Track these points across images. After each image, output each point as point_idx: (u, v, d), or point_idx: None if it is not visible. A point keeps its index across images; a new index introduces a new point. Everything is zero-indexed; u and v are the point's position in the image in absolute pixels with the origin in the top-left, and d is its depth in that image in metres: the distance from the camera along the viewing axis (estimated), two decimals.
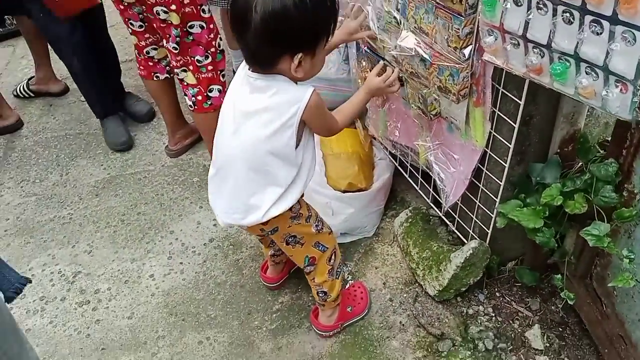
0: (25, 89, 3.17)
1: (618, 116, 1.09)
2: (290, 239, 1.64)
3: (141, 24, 2.25)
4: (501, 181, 1.63)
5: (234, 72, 3.13)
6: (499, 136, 1.57)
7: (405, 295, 1.97)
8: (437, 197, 1.94)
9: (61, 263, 2.25)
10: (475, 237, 1.85)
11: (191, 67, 2.18)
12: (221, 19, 2.86)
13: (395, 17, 1.62)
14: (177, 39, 2.10)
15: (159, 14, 2.04)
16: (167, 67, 2.42)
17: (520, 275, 1.84)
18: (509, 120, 1.51)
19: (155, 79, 2.43)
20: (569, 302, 1.55)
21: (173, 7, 2.00)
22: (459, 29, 1.39)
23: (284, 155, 1.42)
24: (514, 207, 1.56)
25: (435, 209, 2.06)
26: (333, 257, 1.75)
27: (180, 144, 2.67)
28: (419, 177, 2.06)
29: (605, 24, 1.02)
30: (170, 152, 2.68)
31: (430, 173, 1.87)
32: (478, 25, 1.35)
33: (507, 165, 1.58)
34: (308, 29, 1.30)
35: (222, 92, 2.26)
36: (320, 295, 1.80)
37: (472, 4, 1.33)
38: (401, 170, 2.19)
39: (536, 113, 1.52)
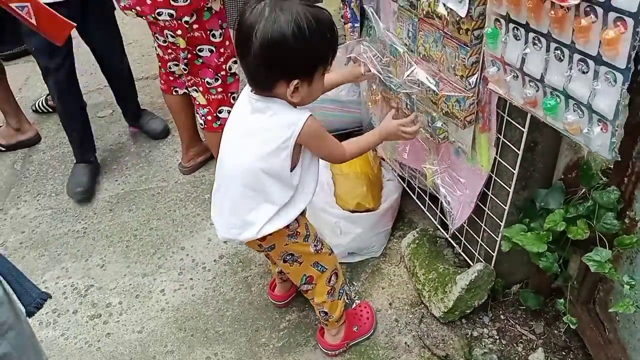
0: (44, 104, 3.26)
1: (599, 155, 1.13)
2: (287, 257, 1.68)
3: (164, 39, 2.32)
4: (506, 205, 1.66)
5: None
6: (503, 162, 1.61)
7: (411, 316, 1.99)
8: (444, 219, 1.97)
9: (74, 276, 2.30)
10: (481, 259, 1.87)
11: (201, 89, 2.24)
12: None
13: (398, 50, 1.67)
14: (185, 61, 2.17)
15: (168, 37, 2.12)
16: (187, 84, 2.48)
17: (524, 298, 1.86)
18: (513, 147, 1.54)
19: (174, 93, 2.48)
20: (571, 326, 1.57)
21: (179, 32, 2.07)
22: (465, 58, 1.44)
23: (279, 176, 1.47)
24: (518, 232, 1.59)
25: (442, 230, 2.09)
26: (333, 278, 1.77)
27: (194, 161, 2.72)
28: (427, 198, 2.10)
29: (591, 63, 1.06)
30: (183, 169, 2.74)
31: (438, 195, 1.91)
32: (483, 55, 1.40)
33: (511, 190, 1.62)
34: (305, 58, 1.35)
35: None
36: (322, 315, 1.83)
37: (477, 35, 1.38)
38: (409, 192, 2.22)
39: (541, 140, 1.55)
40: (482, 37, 1.37)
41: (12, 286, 1.10)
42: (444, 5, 1.43)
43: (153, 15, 2.02)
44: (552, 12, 1.09)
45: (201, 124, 2.36)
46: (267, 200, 1.50)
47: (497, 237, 1.75)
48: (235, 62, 2.27)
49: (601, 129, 1.10)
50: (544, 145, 1.56)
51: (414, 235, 2.12)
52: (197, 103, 2.30)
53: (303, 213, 1.63)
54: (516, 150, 1.54)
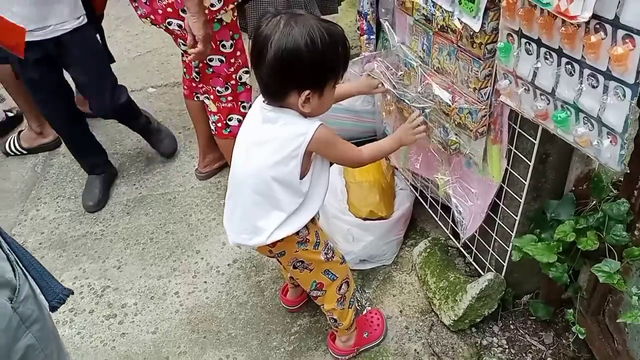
0: None
1: (609, 167, 1.16)
2: (298, 264, 1.71)
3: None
4: (517, 216, 1.68)
5: None
6: (515, 173, 1.63)
7: (421, 323, 2.01)
8: (455, 228, 1.99)
9: (91, 277, 2.35)
10: (492, 269, 1.89)
11: (212, 96, 2.29)
12: None
13: (412, 63, 1.71)
14: (197, 69, 2.22)
15: (180, 46, 2.18)
16: (199, 91, 2.52)
17: (534, 309, 1.87)
18: (524, 159, 1.57)
19: (195, 99, 2.51)
20: (580, 336, 1.58)
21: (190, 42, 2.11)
22: (478, 71, 1.47)
23: (288, 183, 1.50)
24: (529, 242, 1.61)
25: (454, 240, 2.11)
26: (344, 286, 1.79)
27: (210, 167, 2.77)
28: (439, 208, 2.12)
29: (601, 78, 1.09)
30: (199, 174, 2.79)
31: (449, 205, 1.93)
32: (496, 68, 1.43)
33: (522, 201, 1.64)
34: (316, 69, 1.39)
35: (242, 122, 2.35)
36: (332, 321, 1.86)
37: (490, 49, 1.41)
38: (421, 201, 2.25)
39: (552, 152, 1.58)
40: (494, 51, 1.41)
41: (36, 282, 1.15)
42: (459, 19, 1.47)
43: (164, 25, 2.07)
44: (563, 28, 1.13)
45: (212, 130, 2.41)
46: (276, 207, 1.54)
47: (508, 247, 1.77)
48: (246, 72, 2.30)
49: (610, 142, 1.13)
50: (555, 157, 1.59)
51: (425, 244, 2.14)
52: (209, 110, 2.36)
53: (314, 220, 1.66)
54: (527, 162, 1.56)
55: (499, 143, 1.61)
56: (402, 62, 1.81)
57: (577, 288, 1.69)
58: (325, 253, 1.71)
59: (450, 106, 1.61)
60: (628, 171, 1.14)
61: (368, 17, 2.07)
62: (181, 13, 2.02)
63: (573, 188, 1.64)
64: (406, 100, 1.80)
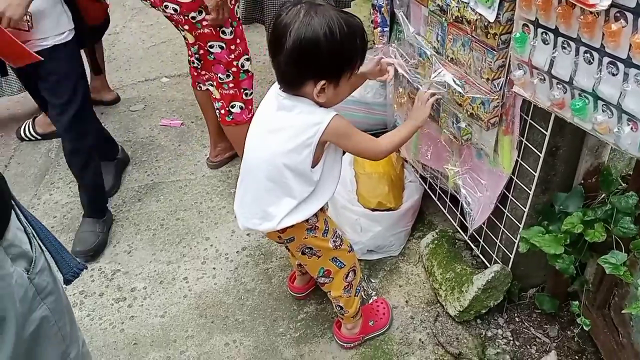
0: None
1: (628, 153, 1.16)
2: (306, 250, 1.72)
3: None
4: (526, 208, 1.69)
5: None
6: (525, 165, 1.64)
7: (426, 314, 2.03)
8: (463, 221, 2.00)
9: (102, 261, 2.38)
10: (499, 261, 1.90)
11: (215, 83, 2.31)
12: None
13: (426, 52, 1.72)
14: (197, 55, 2.23)
15: (180, 31, 2.20)
16: (203, 78, 2.52)
17: (540, 301, 1.88)
18: (535, 150, 1.58)
19: (198, 88, 2.53)
20: (584, 327, 1.59)
21: (186, 27, 2.12)
22: (491, 62, 1.48)
23: (300, 171, 1.52)
24: (536, 233, 1.62)
25: (462, 232, 2.12)
26: (351, 274, 1.81)
27: (221, 156, 2.80)
28: (447, 200, 2.13)
29: (621, 65, 1.10)
30: (210, 163, 2.82)
31: (458, 196, 1.95)
32: (509, 59, 1.44)
33: (531, 193, 1.65)
34: (334, 60, 1.41)
35: (245, 109, 2.37)
36: (338, 309, 1.88)
37: (504, 40, 1.42)
38: (430, 193, 2.26)
39: (562, 144, 1.59)
40: (509, 41, 1.42)
41: (52, 255, 1.18)
42: (474, 10, 1.48)
43: (162, 8, 2.08)
44: (582, 17, 1.13)
45: (217, 117, 2.43)
46: (287, 194, 1.56)
47: (516, 240, 1.78)
48: (247, 60, 2.30)
49: (631, 128, 1.13)
50: (565, 149, 1.60)
51: (433, 236, 2.16)
52: (213, 97, 2.38)
53: (323, 209, 1.68)
54: (538, 154, 1.57)
55: (510, 134, 1.62)
56: (417, 52, 1.82)
57: (583, 281, 1.70)
58: (333, 241, 1.73)
59: (463, 96, 1.62)
60: None
61: (382, 9, 2.08)
62: None
63: (582, 181, 1.65)
64: (420, 86, 1.80)
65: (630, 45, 1.05)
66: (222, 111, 2.38)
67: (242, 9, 2.73)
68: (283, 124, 1.51)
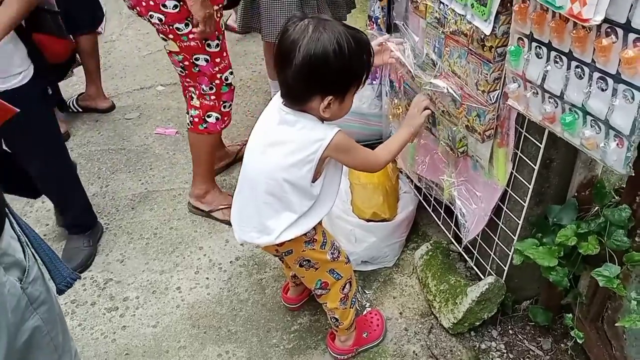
0: (75, 104, 3.37)
1: (614, 169, 1.17)
2: (304, 262, 1.72)
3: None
4: (520, 220, 1.70)
5: None
6: (519, 177, 1.65)
7: (420, 325, 2.02)
8: (458, 232, 2.01)
9: (94, 269, 2.37)
10: (492, 273, 1.91)
11: (197, 92, 2.30)
12: (264, 52, 3.01)
13: (432, 59, 1.73)
14: (181, 64, 2.22)
15: (165, 41, 2.18)
16: (185, 84, 2.47)
17: (534, 314, 1.88)
18: (529, 163, 1.59)
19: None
20: (578, 340, 1.59)
21: (170, 36, 2.11)
22: (487, 74, 1.49)
23: (300, 186, 1.52)
24: (530, 245, 1.62)
25: (456, 244, 2.12)
26: (347, 286, 1.81)
27: (215, 165, 2.78)
28: (442, 212, 2.14)
29: (610, 81, 1.11)
30: None
31: (453, 208, 1.95)
32: (505, 72, 1.45)
33: (526, 205, 1.66)
34: (342, 75, 1.42)
35: (220, 120, 2.36)
36: (333, 320, 1.87)
37: (500, 52, 1.44)
38: (425, 205, 2.27)
39: (556, 157, 1.60)
40: (504, 54, 1.43)
41: (45, 264, 1.17)
42: (470, 23, 1.49)
43: (147, 17, 2.07)
44: (574, 32, 1.15)
45: (188, 124, 2.41)
46: (287, 208, 1.56)
47: (510, 252, 1.78)
48: (231, 74, 2.30)
49: (617, 144, 1.14)
50: (559, 162, 1.61)
51: (427, 247, 2.16)
52: (191, 103, 2.36)
53: (320, 221, 1.68)
54: (532, 166, 1.58)
55: (505, 146, 1.63)
56: (422, 57, 1.80)
57: (576, 294, 1.71)
58: (331, 253, 1.73)
59: (458, 108, 1.63)
60: (633, 174, 1.15)
61: (379, 20, 2.10)
62: (162, 7, 2.01)
63: (576, 194, 1.66)
64: (421, 81, 1.78)
65: (620, 60, 1.07)
66: (197, 119, 2.35)
67: (240, 17, 2.74)
68: (284, 138, 1.51)
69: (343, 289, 1.80)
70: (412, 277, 2.20)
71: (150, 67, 3.83)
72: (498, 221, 1.80)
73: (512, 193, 1.71)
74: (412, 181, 2.27)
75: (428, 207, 2.24)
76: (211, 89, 2.27)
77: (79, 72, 3.39)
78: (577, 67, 1.18)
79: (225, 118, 2.39)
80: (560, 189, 1.67)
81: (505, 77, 1.47)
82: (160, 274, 2.33)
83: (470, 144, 1.73)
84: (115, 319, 2.15)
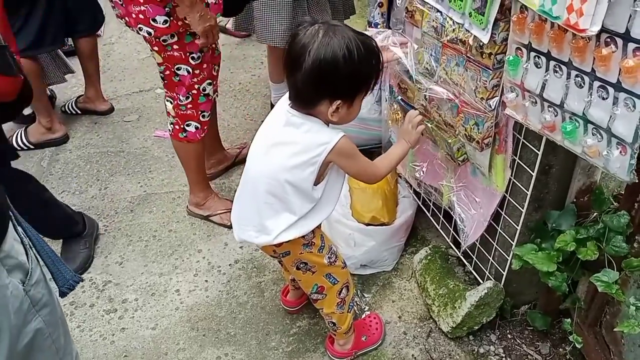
0: (74, 106, 3.37)
1: (617, 176, 1.18)
2: (301, 265, 1.73)
3: None
4: (518, 225, 1.71)
5: (271, 105, 3.27)
6: (518, 183, 1.66)
7: (419, 329, 2.03)
8: (457, 237, 2.02)
9: (93, 271, 2.37)
10: (491, 278, 1.92)
11: (174, 102, 2.28)
12: (268, 55, 3.02)
13: (427, 68, 1.74)
14: (162, 75, 2.22)
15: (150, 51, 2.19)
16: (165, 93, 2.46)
17: (532, 318, 1.89)
18: (528, 169, 1.60)
19: None
20: (577, 345, 1.60)
21: (156, 48, 2.11)
22: (486, 81, 1.50)
23: (301, 188, 1.53)
24: (529, 251, 1.63)
25: (455, 248, 2.13)
26: (344, 291, 1.81)
27: (214, 168, 2.80)
28: (441, 216, 2.15)
29: (611, 90, 1.12)
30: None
31: (452, 213, 1.96)
32: (503, 81, 1.46)
33: (524, 211, 1.67)
34: (351, 80, 1.43)
35: (200, 129, 2.34)
36: (331, 325, 1.88)
37: (500, 59, 1.45)
38: (424, 209, 2.28)
39: (555, 163, 1.61)
40: (504, 61, 1.44)
41: (48, 267, 1.17)
42: (469, 31, 1.50)
43: (136, 29, 2.06)
44: (574, 41, 1.16)
45: (169, 130, 2.41)
46: (287, 209, 1.57)
47: (508, 257, 1.80)
48: (209, 84, 2.29)
49: (620, 152, 1.16)
50: (558, 168, 1.62)
51: (426, 252, 2.17)
52: (167, 111, 2.36)
53: (319, 225, 1.69)
54: (531, 172, 1.59)
55: (504, 153, 1.64)
56: (424, 62, 1.81)
57: (575, 299, 1.72)
58: (328, 257, 1.73)
59: (455, 116, 1.64)
60: (637, 180, 1.16)
61: (378, 26, 2.11)
62: (152, 22, 2.00)
63: (574, 200, 1.67)
64: (421, 87, 1.78)
65: (620, 69, 1.08)
66: (176, 127, 2.35)
67: (234, 18, 2.77)
68: (289, 139, 1.52)
69: (339, 294, 1.80)
70: (411, 282, 2.21)
71: (149, 69, 3.83)
72: (497, 226, 1.81)
73: (510, 199, 1.72)
74: (411, 186, 2.28)
75: (427, 212, 2.25)
76: (187, 98, 2.26)
77: (77, 74, 3.40)
78: (577, 76, 1.20)
79: (205, 127, 2.38)
80: (559, 195, 1.69)
81: (504, 85, 1.48)
82: (159, 276, 2.33)
83: (469, 151, 1.74)
84: (114, 321, 2.15)
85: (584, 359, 1.77)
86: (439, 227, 2.20)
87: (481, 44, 1.47)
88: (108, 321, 2.15)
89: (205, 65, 2.22)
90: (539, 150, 1.54)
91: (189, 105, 2.28)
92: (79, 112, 3.37)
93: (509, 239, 1.77)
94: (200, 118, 2.34)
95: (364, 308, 2.12)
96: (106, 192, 2.80)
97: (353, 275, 2.14)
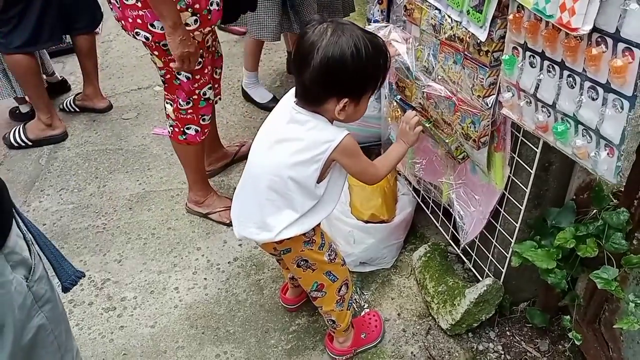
0: (72, 103, 3.36)
1: (605, 178, 1.18)
2: (302, 262, 1.73)
3: None
4: (517, 223, 1.71)
5: (242, 90, 3.24)
6: (517, 181, 1.67)
7: (418, 327, 2.04)
8: (456, 234, 2.02)
9: (92, 269, 2.36)
10: (490, 275, 1.92)
11: (174, 105, 2.28)
12: (246, 46, 3.06)
13: (425, 66, 1.75)
14: (162, 79, 2.22)
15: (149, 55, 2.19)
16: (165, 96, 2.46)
17: (531, 316, 1.90)
18: (527, 167, 1.61)
19: None
20: (576, 342, 1.61)
21: (156, 52, 2.10)
22: (483, 79, 1.50)
23: (304, 186, 1.53)
24: (529, 248, 1.64)
25: (454, 246, 2.14)
26: (344, 288, 1.82)
27: (213, 166, 2.80)
28: (440, 214, 2.15)
29: (600, 90, 1.12)
30: None
31: (451, 210, 1.97)
32: (500, 80, 1.47)
33: (523, 208, 1.67)
34: (358, 79, 1.44)
35: (200, 132, 2.34)
36: (330, 323, 1.88)
37: (497, 57, 1.45)
38: (423, 207, 2.28)
39: (555, 161, 1.61)
40: (500, 59, 1.44)
41: (51, 263, 1.17)
42: (466, 29, 1.50)
43: (132, 34, 2.05)
44: (566, 41, 1.16)
45: (168, 132, 2.41)
46: (289, 206, 1.57)
47: (508, 254, 1.80)
48: (210, 88, 2.29)
49: (607, 154, 1.16)
50: (557, 165, 1.62)
51: (425, 249, 2.17)
52: (167, 114, 2.35)
53: (319, 222, 1.69)
54: (529, 170, 1.60)
55: (502, 151, 1.64)
56: (425, 60, 1.81)
57: (574, 296, 1.72)
58: (328, 254, 1.74)
59: (452, 115, 1.64)
60: (624, 183, 1.16)
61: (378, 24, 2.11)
62: (149, 27, 1.99)
63: (574, 197, 1.67)
64: (420, 84, 1.79)
65: (609, 69, 1.08)
66: (176, 129, 2.34)
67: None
68: (293, 136, 1.52)
69: (339, 291, 1.81)
70: (410, 279, 2.21)
71: (147, 67, 3.82)
72: (496, 223, 1.82)
73: (509, 196, 1.72)
74: (410, 183, 2.29)
75: (426, 209, 2.26)
76: (188, 103, 2.25)
77: (75, 71, 3.39)
78: (569, 76, 1.20)
79: (206, 130, 2.38)
80: (558, 192, 1.69)
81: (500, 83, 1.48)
82: (158, 274, 2.33)
83: (467, 149, 1.75)
84: (112, 319, 2.15)
85: (583, 356, 1.78)
86: (438, 225, 2.21)
87: (479, 41, 1.47)
88: (107, 319, 2.15)
89: (206, 70, 2.22)
90: (537, 148, 1.54)
91: (190, 110, 2.28)
92: (77, 109, 3.37)
93: (509, 236, 1.78)
94: (201, 122, 2.34)
95: (363, 305, 2.12)
96: (105, 190, 2.80)
97: (352, 273, 2.15)
